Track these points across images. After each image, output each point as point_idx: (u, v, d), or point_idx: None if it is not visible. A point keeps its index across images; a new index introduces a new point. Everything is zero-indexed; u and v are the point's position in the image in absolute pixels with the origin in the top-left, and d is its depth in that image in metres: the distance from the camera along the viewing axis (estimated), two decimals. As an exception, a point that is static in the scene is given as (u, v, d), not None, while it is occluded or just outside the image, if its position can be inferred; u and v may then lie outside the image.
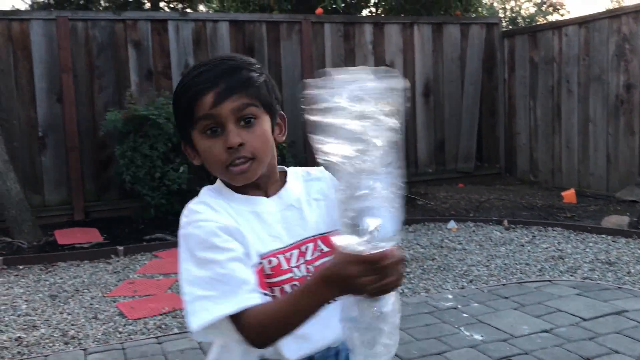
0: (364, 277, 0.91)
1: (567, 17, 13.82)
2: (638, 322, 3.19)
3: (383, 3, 9.55)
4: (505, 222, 5.54)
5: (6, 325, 3.51)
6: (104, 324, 3.49)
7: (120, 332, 3.36)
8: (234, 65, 1.13)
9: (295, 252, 1.15)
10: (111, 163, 6.18)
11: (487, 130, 8.16)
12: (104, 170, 6.33)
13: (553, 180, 7.43)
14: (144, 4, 9.86)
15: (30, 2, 9.82)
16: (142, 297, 3.93)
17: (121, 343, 3.20)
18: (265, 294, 1.08)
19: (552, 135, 7.42)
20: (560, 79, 7.25)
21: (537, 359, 2.83)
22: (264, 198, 1.18)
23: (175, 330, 3.35)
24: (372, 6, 9.78)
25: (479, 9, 10.83)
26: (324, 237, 1.17)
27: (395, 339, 0.98)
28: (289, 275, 1.12)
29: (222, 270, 1.05)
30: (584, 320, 3.25)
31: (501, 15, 15.74)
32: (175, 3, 10.38)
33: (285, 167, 1.26)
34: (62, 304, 3.84)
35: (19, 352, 3.14)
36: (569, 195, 6.52)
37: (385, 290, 0.94)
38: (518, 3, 16.96)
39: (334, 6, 8.17)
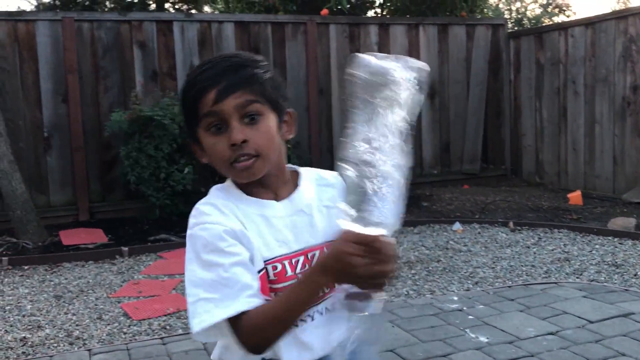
0: (358, 257, 0.92)
1: (573, 18, 13.81)
2: (645, 325, 3.17)
3: (388, 4, 9.54)
4: (511, 224, 5.52)
5: (11, 326, 3.52)
6: (108, 324, 3.49)
7: (124, 333, 3.36)
8: (237, 62, 1.13)
9: (302, 258, 1.14)
10: (116, 164, 6.19)
11: (492, 132, 8.13)
12: (109, 170, 6.33)
13: (559, 182, 7.39)
14: (150, 5, 9.88)
15: (36, 3, 9.86)
16: (147, 297, 3.93)
17: (126, 344, 3.20)
18: (268, 300, 1.07)
19: (558, 137, 7.39)
20: (566, 80, 7.22)
21: (543, 361, 2.81)
22: (273, 202, 1.16)
23: (180, 331, 3.34)
24: (378, 7, 9.77)
25: (485, 10, 10.82)
26: None
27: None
28: (293, 281, 1.11)
29: (226, 274, 1.05)
30: (591, 322, 3.23)
31: (507, 16, 15.72)
32: (180, 4, 10.40)
33: (298, 168, 1.24)
34: (66, 305, 3.84)
35: (23, 353, 3.14)
36: (575, 197, 6.49)
37: (376, 282, 0.95)
38: (524, 4, 16.95)
39: (339, 7, 8.16)
